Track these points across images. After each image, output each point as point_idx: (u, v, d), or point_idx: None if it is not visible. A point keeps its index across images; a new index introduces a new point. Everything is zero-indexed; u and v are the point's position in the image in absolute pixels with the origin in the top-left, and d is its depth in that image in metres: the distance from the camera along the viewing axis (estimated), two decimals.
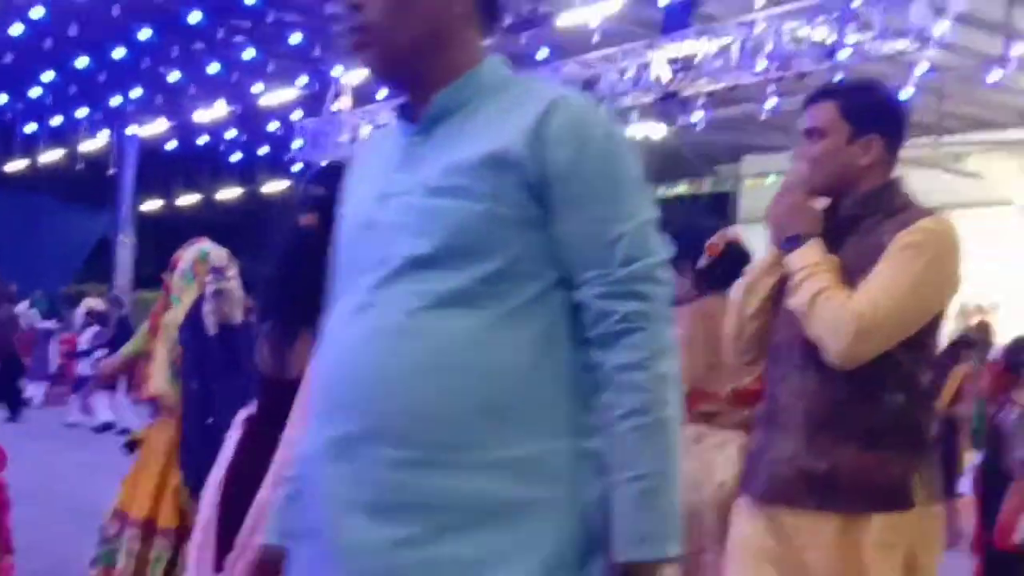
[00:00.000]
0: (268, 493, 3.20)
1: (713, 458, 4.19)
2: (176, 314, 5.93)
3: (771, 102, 21.17)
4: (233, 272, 5.46)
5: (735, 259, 4.43)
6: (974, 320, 21.72)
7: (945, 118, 22.78)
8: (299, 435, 3.14)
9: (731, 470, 4.12)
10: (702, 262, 4.57)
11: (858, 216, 3.45)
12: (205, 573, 3.43)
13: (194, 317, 5.54)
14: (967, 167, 23.99)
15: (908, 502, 3.18)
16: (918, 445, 3.30)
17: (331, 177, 3.98)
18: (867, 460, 3.20)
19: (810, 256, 3.28)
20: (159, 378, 5.99)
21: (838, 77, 18.95)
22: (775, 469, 3.31)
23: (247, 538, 3.20)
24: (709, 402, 4.28)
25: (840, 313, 3.10)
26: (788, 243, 3.39)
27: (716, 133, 24.49)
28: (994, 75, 18.90)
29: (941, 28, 14.17)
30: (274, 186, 30.34)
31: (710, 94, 18.30)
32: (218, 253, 5.96)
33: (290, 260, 3.59)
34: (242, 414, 3.75)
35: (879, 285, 3.17)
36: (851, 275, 3.26)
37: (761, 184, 28.38)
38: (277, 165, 28.18)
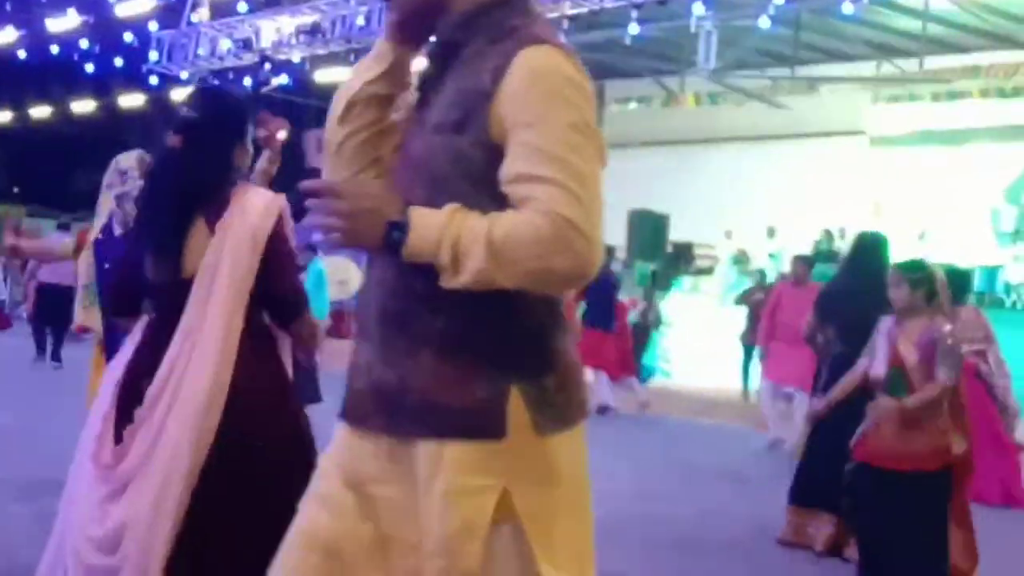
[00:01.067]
0: (162, 382, 3.44)
1: None
2: (95, 228, 5.94)
3: (634, 27, 21.20)
4: (137, 174, 5.34)
5: None
6: (826, 243, 22.28)
7: (800, 49, 23.02)
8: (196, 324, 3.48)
9: None
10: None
11: (457, 43, 2.62)
12: (103, 449, 3.46)
13: (108, 226, 5.61)
14: (818, 98, 24.32)
15: (497, 431, 2.49)
16: (522, 357, 2.58)
17: (202, 100, 4.06)
18: (444, 372, 2.52)
19: (432, 224, 2.38)
20: (78, 308, 5.99)
21: (698, 6, 19.10)
22: (353, 382, 2.69)
23: (146, 412, 3.42)
24: None
25: (538, 234, 2.33)
26: (393, 240, 2.40)
27: (579, 57, 24.37)
28: (848, 7, 19.11)
29: None
30: (131, 99, 29.99)
31: (573, 18, 18.18)
32: (127, 157, 5.84)
33: (159, 177, 3.83)
34: (144, 321, 3.82)
35: (543, 159, 2.38)
36: (441, 127, 2.50)
37: (624, 109, 28.55)
38: (134, 77, 27.52)
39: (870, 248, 7.98)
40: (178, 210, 3.63)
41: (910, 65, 23.14)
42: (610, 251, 15.44)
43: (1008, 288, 22.13)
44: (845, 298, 7.73)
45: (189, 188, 3.64)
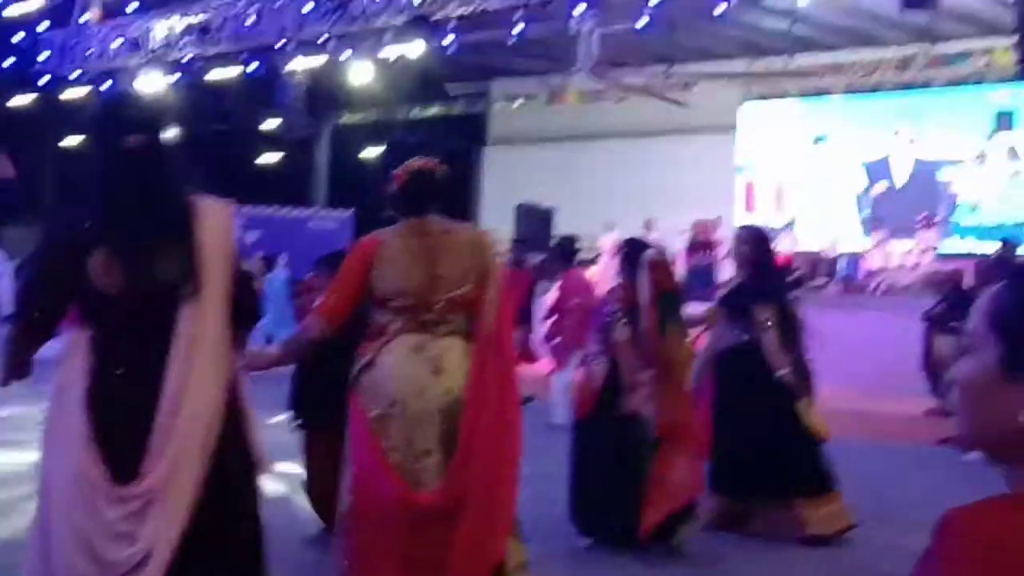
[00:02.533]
0: (175, 394, 3.20)
1: (439, 361, 4.07)
2: None
3: (518, 27, 21.40)
4: None
5: (420, 189, 4.27)
6: (700, 236, 22.69)
7: (676, 49, 23.38)
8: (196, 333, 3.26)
9: (457, 373, 4.06)
10: (393, 189, 4.29)
11: None
12: (96, 470, 3.17)
13: None
14: (693, 95, 24.72)
15: None
16: None
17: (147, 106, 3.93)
18: None
19: None
20: None
21: (580, 7, 19.36)
22: None
23: (167, 424, 3.18)
24: (429, 312, 4.11)
25: None
26: None
27: (466, 57, 24.58)
28: (720, 8, 19.49)
29: None
30: (21, 99, 29.31)
31: (460, 18, 18.33)
32: None
33: (122, 180, 3.49)
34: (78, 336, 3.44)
35: None
36: None
37: (510, 107, 28.72)
38: (24, 78, 26.98)
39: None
40: (161, 216, 3.44)
41: (779, 63, 23.61)
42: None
43: (870, 274, 22.74)
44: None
45: (170, 194, 3.50)
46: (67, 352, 3.42)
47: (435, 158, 4.42)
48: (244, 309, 3.60)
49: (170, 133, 3.63)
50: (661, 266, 6.59)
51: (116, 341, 3.32)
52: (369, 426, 4.01)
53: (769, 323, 6.80)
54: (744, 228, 7.58)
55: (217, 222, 3.46)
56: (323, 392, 5.97)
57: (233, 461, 3.33)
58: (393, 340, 4.09)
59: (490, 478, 3.96)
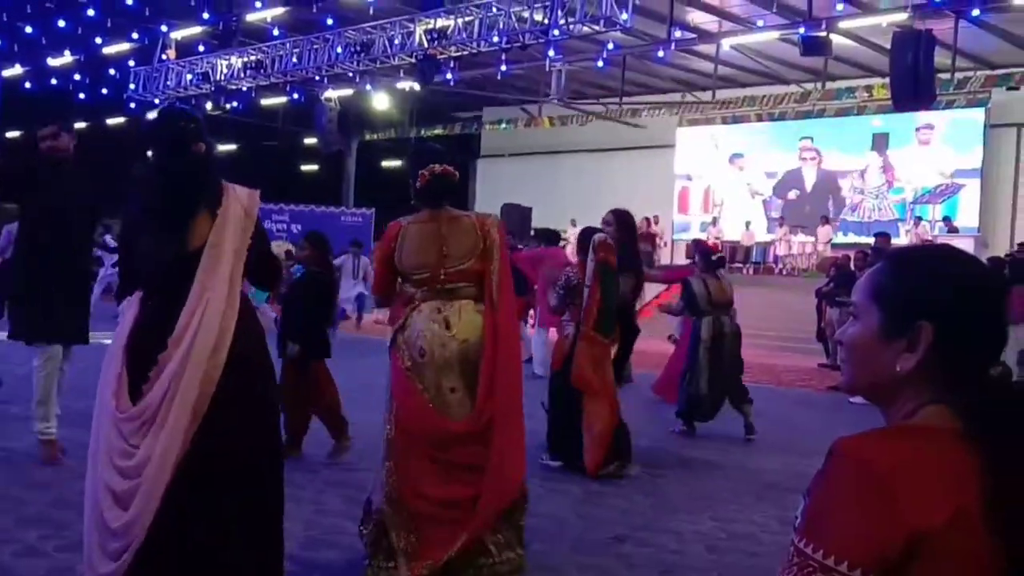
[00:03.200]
0: (182, 330, 3.14)
1: (454, 322, 4.09)
2: None
3: (503, 66, 21.40)
4: None
5: (439, 186, 4.21)
6: (644, 229, 22.66)
7: (627, 83, 23.40)
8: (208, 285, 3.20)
9: (472, 331, 4.07)
10: (417, 185, 4.24)
11: None
12: (122, 400, 3.13)
13: None
14: (640, 120, 24.74)
15: None
16: None
17: (196, 118, 3.80)
18: None
19: None
20: None
21: (551, 52, 19.36)
22: None
23: (169, 354, 3.11)
24: (442, 282, 4.11)
25: None
26: None
27: (463, 89, 24.55)
28: (660, 52, 19.51)
29: (624, 16, 14.51)
30: (114, 121, 29.23)
31: (458, 58, 18.29)
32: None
33: (185, 173, 3.41)
34: (136, 295, 3.36)
35: None
36: None
37: (497, 129, 28.72)
38: (116, 103, 26.77)
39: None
40: (191, 200, 3.35)
41: (706, 96, 23.65)
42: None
43: (777, 259, 22.88)
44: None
45: (206, 183, 3.42)
46: (124, 310, 3.42)
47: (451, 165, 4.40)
48: (266, 265, 3.63)
49: (207, 141, 3.59)
50: (605, 246, 6.46)
51: (155, 293, 3.28)
52: (406, 373, 4.03)
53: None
54: (611, 211, 7.17)
55: (239, 201, 3.39)
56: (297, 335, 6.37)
57: (246, 393, 3.24)
58: (418, 306, 4.10)
59: (509, 405, 4.04)
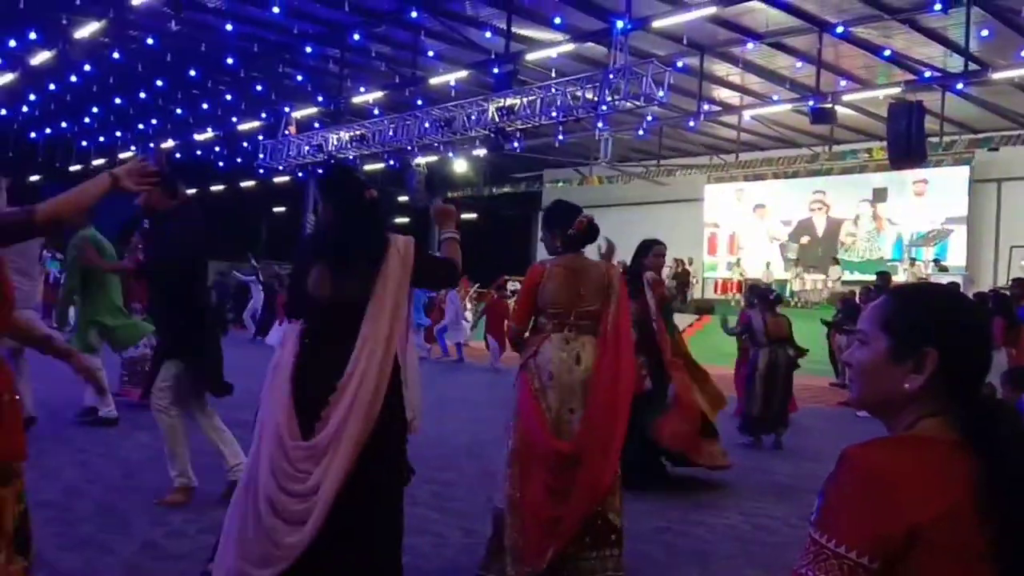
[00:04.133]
0: (349, 377, 3.02)
1: (579, 352, 3.93)
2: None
3: (560, 136, 21.54)
4: None
5: (587, 235, 4.04)
6: (679, 268, 22.51)
7: (663, 148, 23.37)
8: (371, 334, 3.03)
9: (590, 359, 3.92)
10: (571, 231, 4.06)
11: None
12: (292, 429, 2.99)
13: None
14: (674, 178, 24.67)
15: None
16: None
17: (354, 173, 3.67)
18: None
19: None
20: None
21: (600, 123, 19.44)
22: None
23: (339, 396, 2.99)
24: (571, 318, 3.97)
25: None
26: None
27: (527, 155, 24.74)
28: (692, 122, 19.47)
29: (660, 93, 14.51)
30: (246, 184, 29.95)
31: (523, 130, 18.44)
32: None
33: (356, 220, 3.23)
34: (293, 328, 3.17)
35: None
36: None
37: (555, 187, 28.83)
38: (248, 170, 27.45)
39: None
40: (365, 249, 3.21)
41: (731, 158, 23.53)
42: None
43: (793, 294, 22.54)
44: None
45: (379, 233, 3.29)
46: (285, 338, 3.22)
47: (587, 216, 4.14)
48: (436, 274, 3.58)
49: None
50: (659, 284, 6.22)
51: (317, 334, 3.11)
52: (534, 394, 3.89)
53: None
54: (654, 242, 6.41)
55: (398, 252, 3.24)
56: None
57: (389, 429, 3.12)
58: (548, 336, 3.98)
59: (604, 434, 3.84)
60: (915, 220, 22.17)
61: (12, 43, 18.59)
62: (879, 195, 22.85)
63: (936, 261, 20.42)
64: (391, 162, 24.43)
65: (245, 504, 3.02)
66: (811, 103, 16.42)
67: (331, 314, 3.15)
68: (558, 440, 3.82)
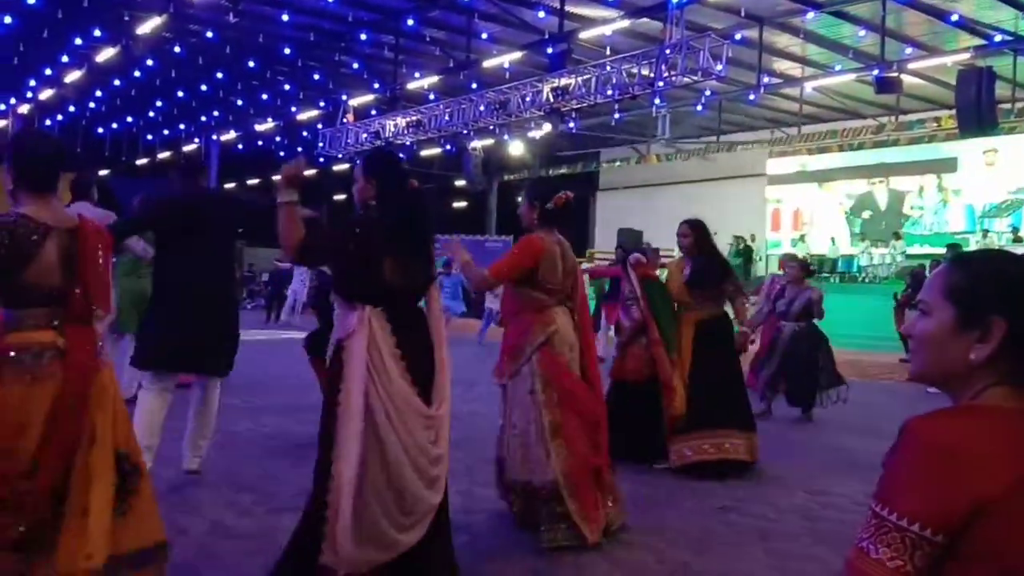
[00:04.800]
0: (440, 362, 3.21)
1: (572, 325, 4.17)
2: None
3: (617, 114, 21.34)
4: None
5: (566, 210, 4.19)
6: (741, 245, 22.23)
7: (722, 123, 23.01)
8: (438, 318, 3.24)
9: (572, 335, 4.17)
10: (549, 206, 4.14)
11: None
12: (423, 410, 3.12)
13: None
14: (735, 154, 24.28)
15: None
16: None
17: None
18: None
19: None
20: None
21: (656, 100, 19.21)
22: None
23: (441, 379, 3.18)
24: (563, 292, 4.14)
25: None
26: None
27: (583, 134, 24.59)
28: (752, 96, 19.13)
29: (719, 67, 14.25)
30: (308, 172, 30.28)
31: (578, 110, 18.31)
32: None
33: (409, 208, 3.29)
34: (357, 312, 3.14)
35: None
36: None
37: (613, 166, 28.63)
38: (308, 159, 27.82)
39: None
40: (425, 231, 3.36)
41: (793, 131, 23.07)
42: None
43: (860, 269, 22.07)
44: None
45: (431, 216, 3.47)
46: (357, 322, 3.11)
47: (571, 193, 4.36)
48: None
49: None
50: (643, 265, 5.95)
51: (399, 316, 3.13)
52: (567, 366, 4.10)
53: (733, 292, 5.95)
54: (684, 222, 6.04)
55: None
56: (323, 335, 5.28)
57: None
58: (554, 310, 4.15)
59: (599, 394, 4.31)
60: (987, 190, 21.46)
61: (78, 41, 19.10)
62: (948, 165, 22.17)
63: (1013, 230, 19.79)
64: (447, 147, 24.53)
65: (364, 487, 2.99)
66: (875, 72, 15.95)
67: (404, 298, 3.23)
68: (600, 402, 4.21)
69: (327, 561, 2.97)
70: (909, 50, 16.92)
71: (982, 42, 15.83)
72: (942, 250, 16.37)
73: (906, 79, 16.48)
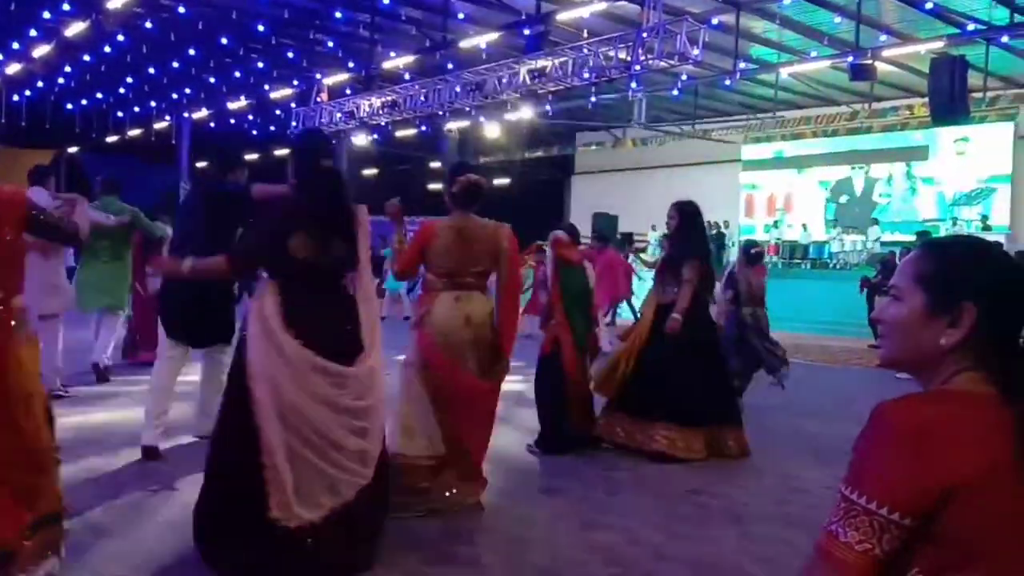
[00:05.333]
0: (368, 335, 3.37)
1: (468, 312, 4.10)
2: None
3: (593, 98, 21.30)
4: None
5: (472, 194, 4.19)
6: (715, 231, 22.34)
7: (698, 108, 23.06)
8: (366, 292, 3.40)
9: (480, 317, 4.14)
10: (453, 190, 4.20)
11: None
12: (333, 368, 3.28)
13: None
14: (710, 139, 24.36)
15: None
16: None
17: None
18: None
19: None
20: None
21: (633, 84, 19.19)
22: None
23: (368, 353, 3.35)
24: (461, 278, 4.15)
25: None
26: None
27: (559, 118, 24.54)
28: (728, 81, 19.16)
29: (695, 51, 14.25)
30: (280, 152, 30.03)
31: (555, 93, 18.26)
32: None
33: (321, 186, 3.43)
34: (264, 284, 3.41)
35: None
36: None
37: (588, 150, 28.63)
38: (281, 138, 27.53)
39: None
40: (340, 215, 3.45)
41: (767, 117, 23.15)
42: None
43: (832, 255, 22.27)
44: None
45: (345, 202, 3.49)
46: (260, 292, 3.33)
47: (482, 176, 4.34)
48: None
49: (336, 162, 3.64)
50: (563, 244, 5.82)
51: (301, 291, 3.27)
52: (432, 346, 4.11)
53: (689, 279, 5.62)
54: (673, 204, 5.92)
55: (364, 222, 3.48)
56: None
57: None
58: (439, 295, 4.18)
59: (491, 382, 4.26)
60: (958, 179, 21.70)
61: (46, 15, 18.73)
62: (920, 153, 22.39)
63: (984, 219, 20.05)
64: (423, 127, 24.39)
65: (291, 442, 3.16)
66: (850, 59, 16.04)
67: (316, 275, 3.33)
68: (474, 378, 4.13)
69: (277, 516, 3.10)
70: (884, 37, 17.02)
71: (955, 31, 15.96)
72: (912, 237, 16.59)
73: (880, 66, 16.59)
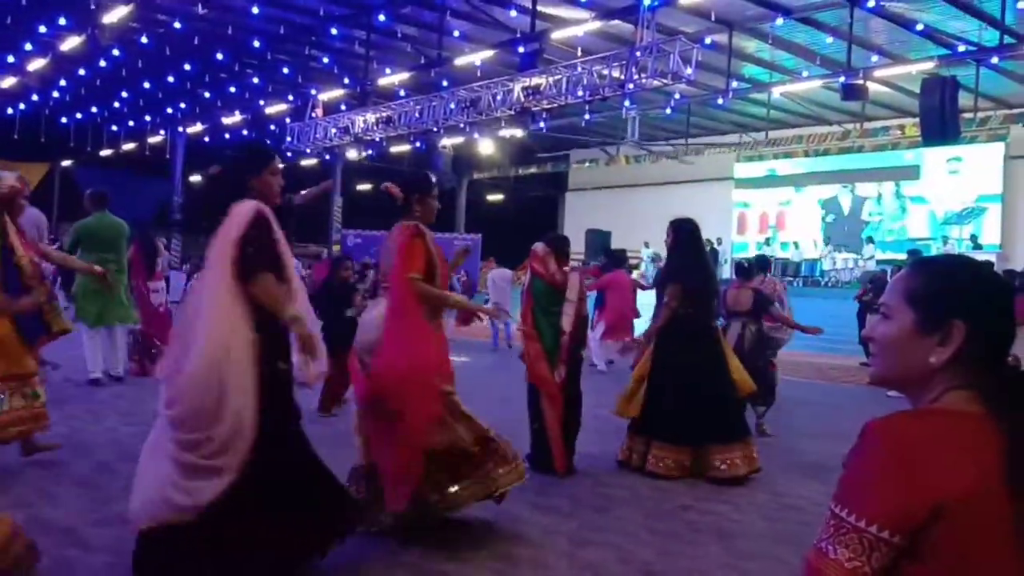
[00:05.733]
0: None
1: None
2: None
3: (587, 115, 21.39)
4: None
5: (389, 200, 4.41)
6: (708, 248, 22.29)
7: (691, 127, 23.16)
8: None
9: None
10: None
11: None
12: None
13: None
14: (703, 157, 24.46)
15: None
16: None
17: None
18: None
19: None
20: None
21: (627, 102, 19.27)
22: None
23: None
24: (384, 283, 4.23)
25: None
26: None
27: (553, 135, 24.61)
28: (720, 100, 19.25)
29: (688, 71, 14.33)
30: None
31: (549, 110, 18.33)
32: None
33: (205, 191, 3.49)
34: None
35: None
36: None
37: (582, 167, 28.71)
38: (276, 154, 27.58)
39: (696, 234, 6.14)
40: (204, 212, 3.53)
41: (760, 136, 23.27)
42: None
43: (823, 273, 22.34)
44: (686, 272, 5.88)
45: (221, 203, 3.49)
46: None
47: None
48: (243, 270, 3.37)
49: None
50: (534, 255, 5.75)
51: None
52: (357, 352, 4.15)
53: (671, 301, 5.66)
54: (670, 222, 5.96)
55: (232, 218, 3.37)
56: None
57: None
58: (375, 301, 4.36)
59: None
60: (948, 198, 21.83)
61: (42, 29, 18.75)
62: (911, 172, 22.52)
63: (972, 238, 20.16)
64: (417, 144, 24.43)
65: None
66: (842, 79, 16.15)
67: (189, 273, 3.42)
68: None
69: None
70: (875, 58, 17.16)
71: (946, 52, 16.09)
72: (902, 256, 16.66)
73: (872, 87, 16.70)
